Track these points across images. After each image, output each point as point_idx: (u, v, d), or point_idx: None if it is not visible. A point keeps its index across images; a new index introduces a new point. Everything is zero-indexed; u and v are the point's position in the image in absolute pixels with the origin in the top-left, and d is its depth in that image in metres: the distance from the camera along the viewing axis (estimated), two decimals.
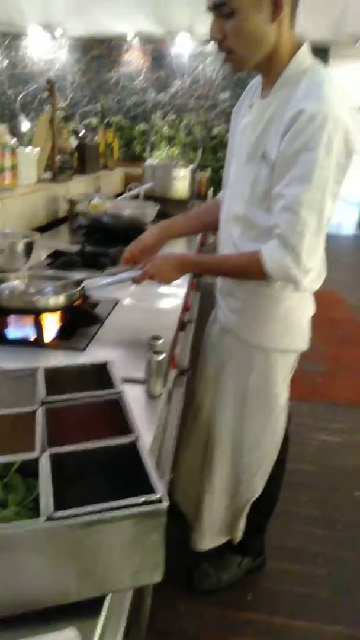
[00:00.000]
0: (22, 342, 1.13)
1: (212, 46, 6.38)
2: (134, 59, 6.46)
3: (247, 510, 1.43)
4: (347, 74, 6.59)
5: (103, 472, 0.60)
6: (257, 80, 1.13)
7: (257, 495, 1.40)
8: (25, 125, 4.72)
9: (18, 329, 1.16)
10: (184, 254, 1.23)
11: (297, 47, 1.00)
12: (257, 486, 1.39)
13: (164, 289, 1.52)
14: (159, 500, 0.50)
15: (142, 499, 0.49)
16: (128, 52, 6.43)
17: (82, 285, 1.21)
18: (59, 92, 6.00)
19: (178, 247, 2.13)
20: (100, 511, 0.47)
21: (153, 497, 0.50)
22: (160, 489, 0.51)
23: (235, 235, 1.15)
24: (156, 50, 6.38)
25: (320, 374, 3.10)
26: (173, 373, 1.53)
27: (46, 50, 6.48)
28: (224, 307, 1.29)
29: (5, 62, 6.55)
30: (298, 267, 0.99)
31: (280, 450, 1.39)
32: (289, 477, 2.10)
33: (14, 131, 4.51)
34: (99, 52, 6.45)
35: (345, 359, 3.37)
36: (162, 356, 0.91)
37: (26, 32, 6.30)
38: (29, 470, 0.56)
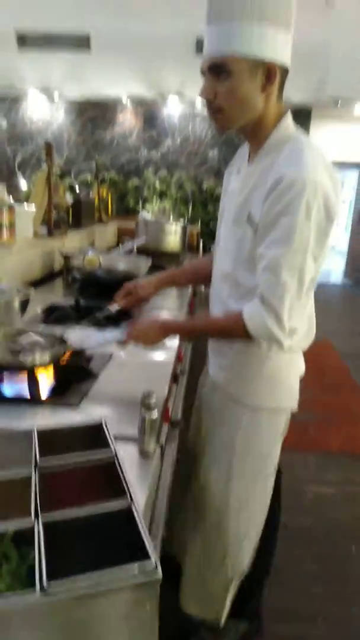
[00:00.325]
0: (17, 399, 1.13)
1: (201, 107, 6.78)
2: (127, 120, 6.82)
3: (232, 592, 1.35)
4: (329, 133, 7.01)
5: (97, 536, 0.61)
6: (245, 148, 1.19)
7: (243, 573, 1.34)
8: (23, 184, 4.90)
9: (12, 385, 1.17)
10: (168, 319, 1.27)
11: (281, 115, 1.06)
12: (243, 558, 1.32)
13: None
14: (154, 569, 0.50)
15: (136, 568, 0.50)
16: (122, 113, 6.80)
17: (66, 347, 1.23)
18: (56, 151, 6.28)
19: (172, 298, 2.18)
20: (94, 583, 0.48)
21: (147, 566, 0.50)
22: (155, 557, 0.52)
23: (224, 293, 1.19)
24: (148, 112, 6.76)
25: (312, 422, 3.09)
26: (166, 428, 1.53)
27: (44, 112, 6.84)
28: (214, 363, 1.32)
29: (5, 123, 6.88)
30: (279, 328, 1.01)
31: (275, 514, 1.35)
32: (283, 531, 2.05)
33: (12, 189, 4.69)
34: (94, 113, 6.81)
35: (336, 407, 3.37)
36: (154, 414, 0.92)
37: (26, 95, 6.67)
38: (23, 536, 0.56)
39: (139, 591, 0.51)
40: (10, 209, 2.05)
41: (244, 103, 1.00)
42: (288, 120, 1.06)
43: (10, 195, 2.13)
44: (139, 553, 0.54)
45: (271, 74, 0.97)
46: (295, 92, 6.20)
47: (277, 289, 0.98)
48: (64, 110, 6.82)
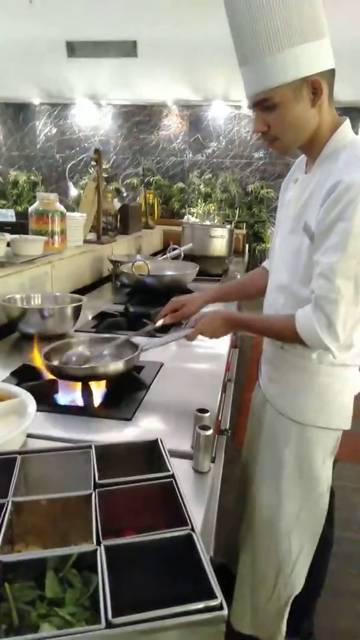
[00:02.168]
0: (71, 409, 1.14)
1: (246, 109, 6.70)
2: (172, 124, 6.85)
3: (286, 612, 1.31)
4: None
5: (157, 563, 0.59)
6: (302, 159, 1.19)
7: (297, 591, 1.29)
8: (73, 191, 5.02)
9: (67, 394, 1.19)
10: (230, 312, 1.27)
11: (337, 123, 1.04)
12: (295, 580, 1.28)
13: (206, 349, 1.55)
14: (220, 607, 0.48)
15: (201, 604, 0.47)
16: (167, 117, 6.84)
17: (139, 350, 1.23)
18: (103, 155, 6.42)
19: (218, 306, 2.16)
20: (159, 617, 0.46)
21: (212, 602, 0.48)
22: (219, 593, 0.49)
23: (279, 304, 1.18)
24: (193, 115, 6.76)
25: None
26: (217, 439, 1.50)
27: (91, 118, 6.99)
28: (265, 375, 1.30)
29: (55, 130, 7.09)
30: (330, 335, 0.98)
31: (326, 534, 1.30)
32: (336, 548, 1.98)
33: (61, 194, 4.82)
34: (140, 118, 6.89)
35: None
36: (209, 432, 0.90)
37: (74, 102, 6.84)
38: (84, 561, 0.56)
39: (203, 628, 0.48)
40: (62, 216, 2.09)
41: (297, 126, 1.00)
42: (346, 127, 1.04)
43: (60, 202, 2.17)
44: (203, 586, 0.52)
45: (316, 87, 0.97)
46: (344, 91, 6.01)
47: (330, 295, 0.96)
48: (111, 115, 6.94)
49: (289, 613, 1.34)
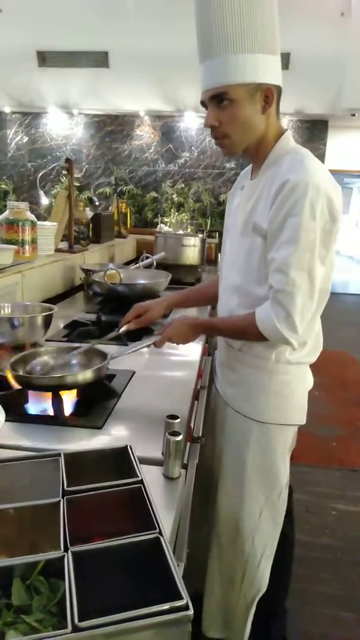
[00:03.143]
0: (41, 418, 1.14)
1: None
2: (145, 134, 6.90)
3: (252, 611, 1.33)
4: (345, 143, 6.99)
5: (125, 568, 0.60)
6: (248, 169, 1.25)
7: (263, 590, 1.31)
8: (43, 198, 4.99)
9: (37, 404, 1.18)
10: (195, 317, 1.32)
11: (281, 133, 1.12)
12: (261, 578, 1.30)
13: (177, 357, 1.56)
14: (185, 607, 0.49)
15: (167, 606, 0.48)
16: (139, 127, 6.89)
17: (108, 359, 1.23)
18: (75, 165, 6.41)
19: (192, 312, 2.18)
20: (125, 620, 0.47)
21: (178, 603, 0.49)
22: (185, 594, 0.50)
23: (233, 304, 1.21)
24: (165, 126, 6.83)
25: (336, 438, 3.03)
26: (188, 445, 1.51)
27: (63, 127, 6.97)
28: (221, 378, 1.33)
29: (26, 139, 7.04)
30: (288, 327, 1.02)
31: (287, 529, 1.34)
32: (309, 553, 2.02)
33: (33, 203, 4.77)
34: (112, 127, 6.92)
35: None
36: (179, 437, 0.91)
37: (45, 112, 6.81)
38: (51, 567, 0.56)
39: (170, 629, 0.49)
40: (32, 225, 2.08)
41: (246, 126, 1.06)
42: (288, 136, 1.12)
43: (32, 210, 2.16)
44: (170, 589, 0.53)
45: (268, 95, 1.04)
46: (311, 104, 6.21)
47: (286, 287, 1.00)
48: (83, 125, 6.94)
49: (258, 617, 1.36)
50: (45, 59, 5.86)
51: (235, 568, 1.30)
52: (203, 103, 1.08)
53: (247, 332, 1.11)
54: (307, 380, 1.25)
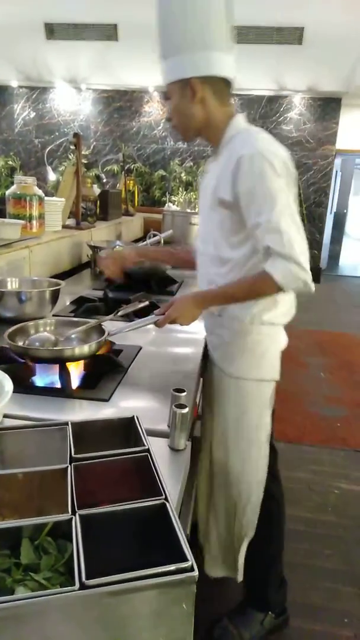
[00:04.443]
0: (48, 390, 1.15)
1: None
2: (153, 110, 6.78)
3: (243, 549, 1.44)
4: (358, 121, 6.84)
5: (131, 533, 0.61)
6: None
7: (250, 533, 1.41)
8: (52, 176, 4.94)
9: (44, 377, 1.19)
10: (197, 292, 1.31)
11: (231, 117, 1.24)
12: (249, 522, 1.40)
13: (183, 334, 1.56)
14: (190, 569, 0.50)
15: (173, 567, 0.49)
16: (148, 103, 6.77)
17: (106, 335, 1.24)
18: (83, 141, 6.33)
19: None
20: (132, 579, 0.48)
21: (184, 565, 0.50)
22: (190, 556, 0.51)
23: (212, 272, 1.32)
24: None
25: (340, 419, 3.05)
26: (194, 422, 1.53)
27: (71, 103, 6.86)
28: (209, 344, 1.44)
29: (33, 114, 6.94)
30: (302, 270, 1.11)
31: (272, 488, 1.43)
32: (312, 529, 2.05)
33: (40, 179, 4.73)
34: (120, 104, 6.80)
35: None
36: (185, 410, 0.92)
37: (53, 86, 6.70)
38: (59, 530, 0.57)
39: (175, 590, 0.50)
40: (40, 200, 2.06)
41: (183, 115, 1.23)
42: (239, 118, 1.25)
43: (39, 187, 2.14)
44: (175, 551, 0.54)
45: (193, 87, 1.17)
46: (324, 81, 6.06)
47: (284, 241, 1.10)
48: (91, 101, 6.83)
49: (255, 579, 1.50)
50: (53, 31, 5.73)
51: (227, 511, 1.43)
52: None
53: (262, 290, 1.18)
54: (281, 341, 1.36)
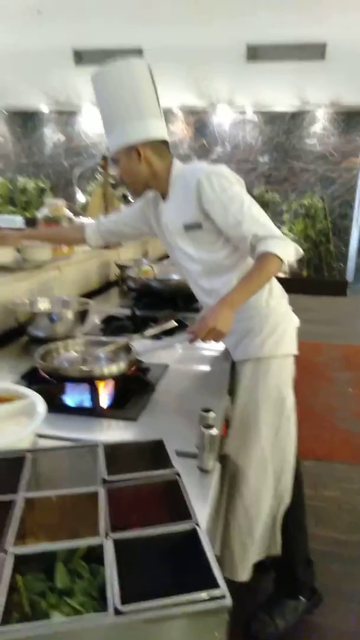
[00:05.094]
0: (78, 410, 1.17)
1: (251, 115, 6.75)
2: (178, 129, 6.90)
3: (280, 520, 1.53)
4: None
5: (162, 556, 0.61)
6: (150, 198, 1.55)
7: (287, 500, 1.52)
8: (80, 197, 5.08)
9: (74, 396, 1.21)
10: (223, 296, 1.32)
11: (171, 164, 1.42)
12: (285, 489, 1.51)
13: (209, 351, 1.58)
14: (223, 596, 0.50)
15: (205, 594, 0.49)
16: (173, 123, 6.89)
17: (134, 354, 1.26)
18: (110, 162, 6.48)
19: None
20: (165, 606, 0.48)
21: (216, 592, 0.50)
22: (222, 583, 0.51)
23: (202, 281, 1.49)
24: (199, 121, 6.81)
25: None
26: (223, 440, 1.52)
27: (98, 125, 7.06)
28: (227, 344, 1.52)
29: (62, 138, 7.17)
30: (287, 240, 1.30)
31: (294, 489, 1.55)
32: (343, 549, 1.99)
33: (69, 200, 4.86)
34: None
35: None
36: (213, 430, 0.92)
37: (81, 110, 6.92)
38: (92, 553, 0.58)
39: (207, 617, 0.50)
40: (70, 222, 2.12)
41: (132, 175, 1.41)
42: (176, 163, 1.44)
43: (68, 207, 2.21)
44: (207, 578, 0.54)
45: (139, 151, 1.36)
46: (348, 95, 6.05)
47: (263, 224, 1.31)
48: None
49: (282, 570, 1.62)
50: (81, 57, 5.94)
51: (265, 485, 1.48)
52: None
53: (271, 269, 1.29)
54: (294, 318, 1.53)
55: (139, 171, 1.40)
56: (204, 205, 1.35)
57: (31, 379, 1.28)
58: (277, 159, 6.82)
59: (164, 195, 1.49)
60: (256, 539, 1.50)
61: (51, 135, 7.21)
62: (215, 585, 0.50)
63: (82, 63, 6.01)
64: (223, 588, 0.51)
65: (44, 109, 6.98)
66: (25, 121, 7.24)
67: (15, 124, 7.31)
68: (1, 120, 7.37)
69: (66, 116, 7.08)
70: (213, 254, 1.44)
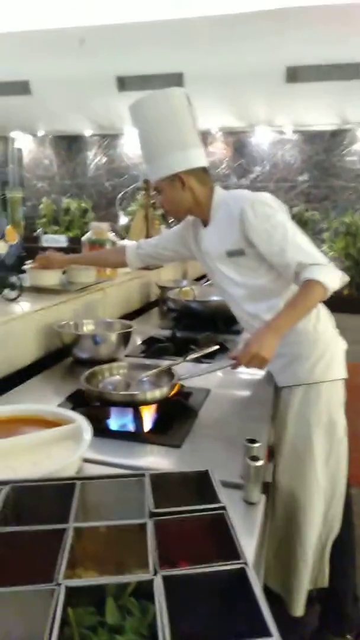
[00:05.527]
0: (122, 434, 1.18)
1: (290, 134, 6.75)
2: (217, 149, 6.99)
3: (329, 549, 1.53)
4: None
5: (210, 596, 0.60)
6: (189, 223, 1.59)
7: (337, 527, 1.52)
8: (122, 220, 5.21)
9: (118, 420, 1.22)
10: (267, 323, 1.31)
11: (212, 190, 1.46)
12: (335, 516, 1.51)
13: (250, 375, 1.57)
14: None
15: None
16: (212, 144, 6.99)
17: (176, 379, 1.26)
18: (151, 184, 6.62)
19: None
20: None
21: None
22: (275, 630, 0.50)
23: (245, 305, 1.50)
24: (238, 141, 6.87)
25: None
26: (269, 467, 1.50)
27: (138, 146, 7.26)
28: (271, 369, 1.52)
29: (104, 159, 7.41)
30: (332, 267, 1.30)
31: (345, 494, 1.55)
32: None
33: (111, 219, 4.99)
34: None
35: None
36: (259, 463, 0.90)
37: (123, 133, 7.14)
38: (140, 589, 0.57)
39: None
40: (113, 244, 2.17)
41: (174, 203, 1.46)
42: (218, 190, 1.47)
43: (111, 230, 2.26)
44: (257, 622, 0.52)
45: (182, 179, 1.39)
46: None
47: (308, 252, 1.31)
48: None
49: (329, 604, 1.60)
50: (124, 83, 6.15)
51: (323, 506, 1.49)
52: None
53: (315, 296, 1.29)
54: (341, 341, 1.53)
55: (182, 199, 1.44)
56: (247, 233, 1.36)
57: (76, 401, 1.30)
58: (317, 177, 6.76)
59: (204, 222, 1.51)
60: (308, 570, 1.48)
61: (93, 157, 7.46)
62: (267, 634, 0.49)
63: (124, 89, 6.22)
64: (274, 636, 0.49)
65: (87, 132, 7.24)
66: (70, 145, 7.54)
67: (61, 147, 7.61)
68: (48, 144, 7.70)
69: (108, 139, 7.31)
70: (257, 279, 1.45)
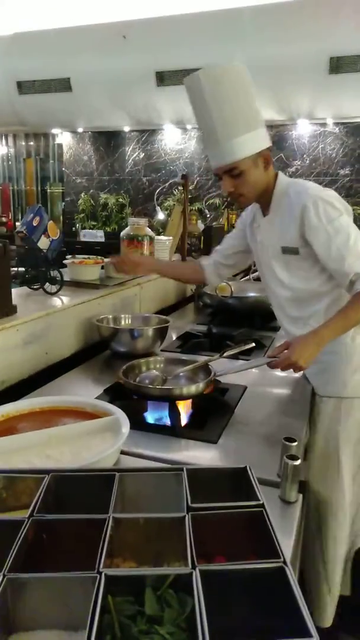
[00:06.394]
0: (159, 428, 1.19)
1: (331, 127, 6.57)
2: None
3: (352, 559, 1.55)
4: None
5: (248, 593, 0.60)
6: (250, 211, 1.54)
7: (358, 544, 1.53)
8: (160, 215, 5.23)
9: (154, 413, 1.24)
10: (313, 331, 1.26)
11: (276, 176, 1.39)
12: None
13: (287, 374, 1.53)
14: None
15: None
16: None
17: (212, 375, 1.26)
18: (187, 178, 6.60)
19: None
20: None
21: None
22: (314, 632, 0.49)
23: (289, 308, 1.46)
24: (277, 135, 6.74)
25: None
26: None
27: (177, 142, 7.24)
28: (309, 372, 1.49)
29: (142, 155, 7.45)
30: None
31: None
32: None
33: (147, 214, 5.02)
34: None
35: None
36: (297, 462, 0.89)
37: (161, 128, 7.14)
38: (178, 582, 0.58)
39: None
40: (150, 240, 2.19)
41: (255, 185, 1.35)
42: (282, 176, 1.41)
43: (149, 225, 2.28)
44: (296, 622, 0.52)
45: (267, 158, 1.33)
46: None
47: None
48: (196, 139, 7.14)
49: (348, 615, 1.56)
50: (163, 78, 6.15)
51: (350, 516, 1.48)
52: (217, 174, 1.36)
53: None
54: None
55: (261, 180, 1.35)
56: (306, 232, 1.30)
57: (114, 394, 1.33)
58: (359, 171, 6.55)
59: (264, 209, 1.44)
60: (337, 582, 1.49)
61: (131, 152, 7.51)
62: (307, 634, 0.49)
63: (163, 84, 6.22)
64: (314, 637, 0.49)
65: (126, 128, 7.29)
66: (108, 140, 7.62)
67: (99, 144, 7.70)
68: (87, 140, 7.81)
69: (147, 135, 7.34)
70: (306, 281, 1.39)
